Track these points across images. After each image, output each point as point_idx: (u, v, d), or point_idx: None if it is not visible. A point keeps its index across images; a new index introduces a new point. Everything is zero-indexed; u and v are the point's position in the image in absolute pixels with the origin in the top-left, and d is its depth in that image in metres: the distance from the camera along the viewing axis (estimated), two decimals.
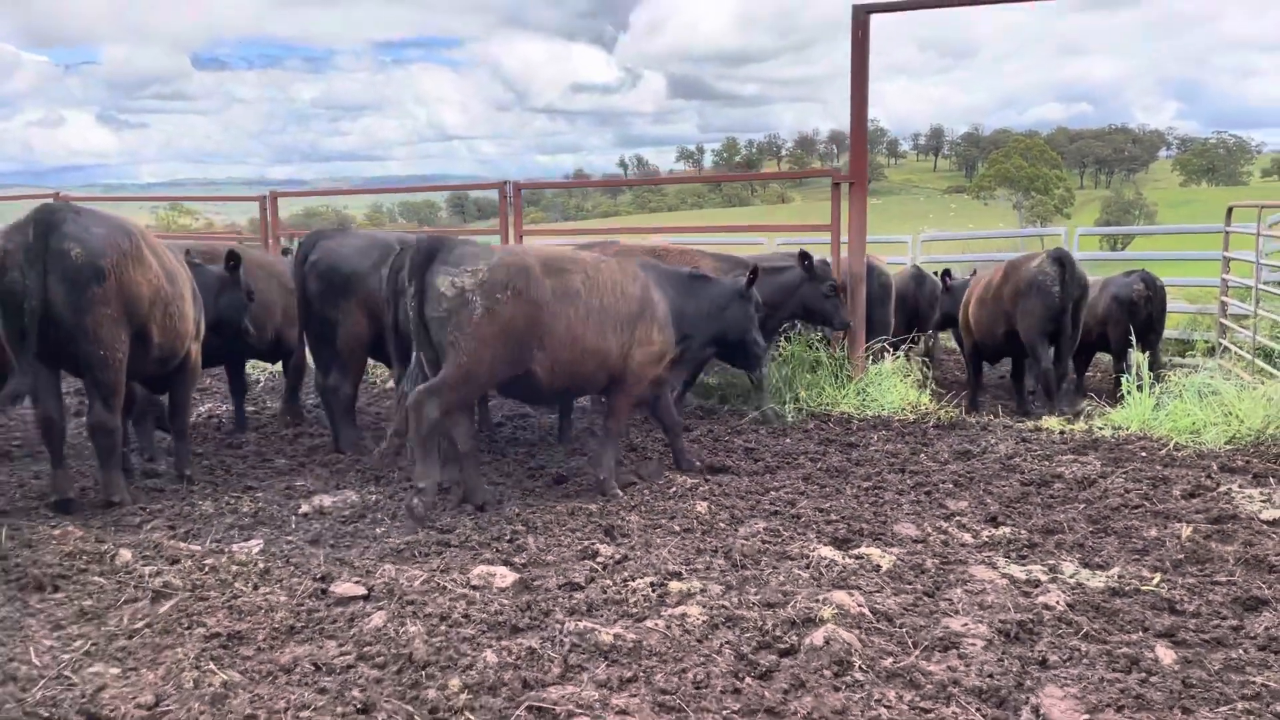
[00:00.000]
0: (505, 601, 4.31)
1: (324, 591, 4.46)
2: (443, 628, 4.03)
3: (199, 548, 5.12)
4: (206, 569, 4.73)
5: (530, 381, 5.97)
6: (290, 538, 5.39)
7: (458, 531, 5.42)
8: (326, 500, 6.07)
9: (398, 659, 3.75)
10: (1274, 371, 8.06)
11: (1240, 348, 9.56)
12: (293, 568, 4.83)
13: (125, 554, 4.89)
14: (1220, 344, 10.15)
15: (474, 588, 4.51)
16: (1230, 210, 10.32)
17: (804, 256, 8.65)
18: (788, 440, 7.76)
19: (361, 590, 4.44)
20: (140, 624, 4.11)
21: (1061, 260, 8.96)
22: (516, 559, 4.95)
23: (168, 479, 6.68)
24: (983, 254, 16.22)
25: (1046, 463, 6.87)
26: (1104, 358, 11.46)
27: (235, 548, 5.15)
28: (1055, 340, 9.13)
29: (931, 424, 8.17)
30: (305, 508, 5.95)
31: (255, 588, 4.54)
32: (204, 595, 4.43)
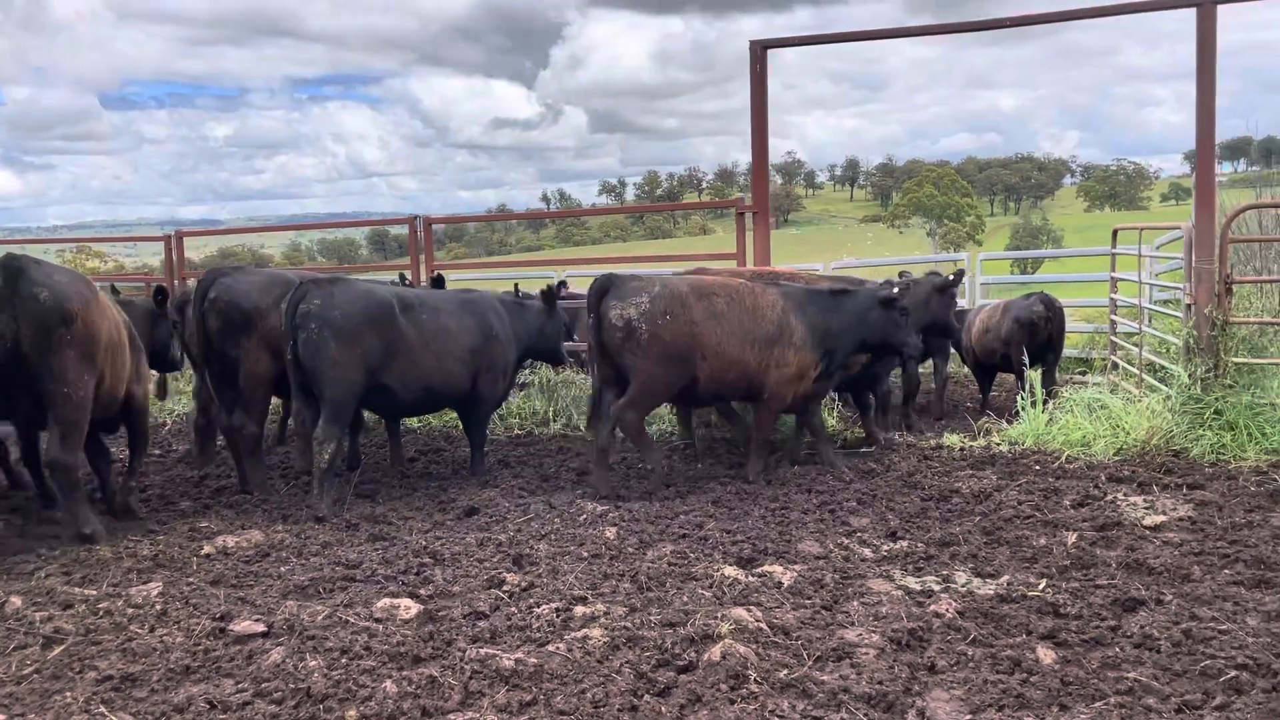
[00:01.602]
0: (408, 633, 4.31)
1: (222, 630, 4.41)
2: (343, 661, 4.02)
3: (94, 592, 5.01)
4: (101, 613, 4.63)
5: (694, 388, 7.14)
6: (191, 579, 5.28)
7: (364, 566, 5.39)
8: (230, 540, 5.97)
9: (295, 694, 3.73)
10: (1159, 385, 8.46)
11: (1130, 364, 10.00)
12: (191, 608, 4.75)
13: (15, 601, 4.77)
14: (1111, 361, 10.60)
15: (377, 620, 4.50)
16: (1115, 233, 10.82)
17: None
18: (699, 465, 7.89)
19: (261, 627, 4.40)
20: (29, 670, 4.01)
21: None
22: (422, 591, 4.95)
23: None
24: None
25: (946, 478, 7.11)
26: (1008, 378, 11.86)
27: (133, 591, 5.04)
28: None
29: (838, 444, 8.37)
30: (208, 548, 5.85)
31: (151, 629, 4.46)
32: (97, 639, 4.34)
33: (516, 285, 9.25)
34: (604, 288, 7.08)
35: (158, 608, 4.71)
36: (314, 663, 3.96)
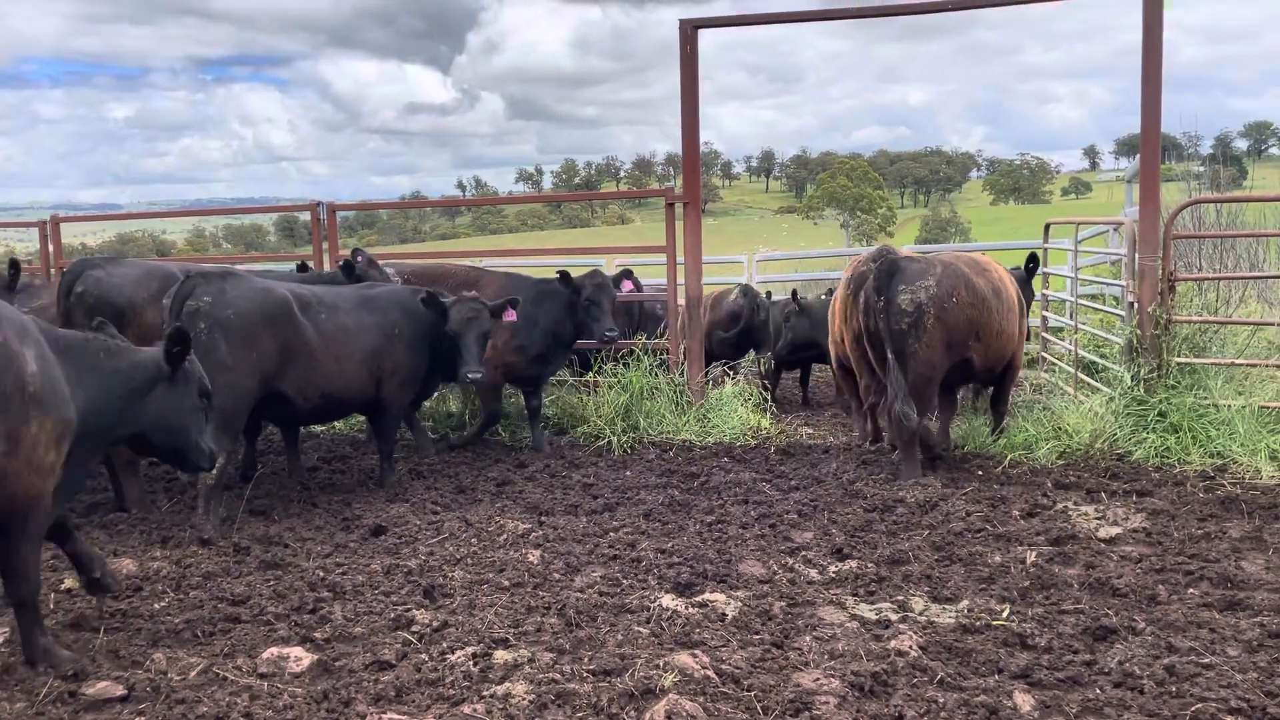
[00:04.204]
0: (298, 691, 3.70)
1: (73, 694, 3.72)
2: None
3: None
4: None
5: (966, 367, 7.09)
6: (46, 622, 4.54)
7: (251, 602, 4.73)
8: (97, 571, 5.22)
9: None
10: (1096, 384, 8.24)
11: (1060, 360, 9.83)
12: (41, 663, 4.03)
13: None
14: (1042, 356, 10.44)
15: (262, 676, 3.87)
16: (1047, 227, 10.65)
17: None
18: (628, 473, 7.37)
19: (120, 690, 3.73)
20: None
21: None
22: (318, 634, 4.32)
23: None
24: (816, 273, 16.42)
25: (888, 486, 6.72)
26: None
27: None
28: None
29: (773, 449, 7.94)
30: (69, 582, 5.11)
31: None
32: None
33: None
34: (891, 269, 6.80)
35: None
36: None
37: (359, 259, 8.00)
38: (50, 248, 11.00)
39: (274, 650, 4.05)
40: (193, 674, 3.86)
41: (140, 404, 4.32)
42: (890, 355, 6.76)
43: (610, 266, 15.15)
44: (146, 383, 4.34)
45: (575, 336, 8.24)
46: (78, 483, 4.49)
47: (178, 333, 4.47)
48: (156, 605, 4.80)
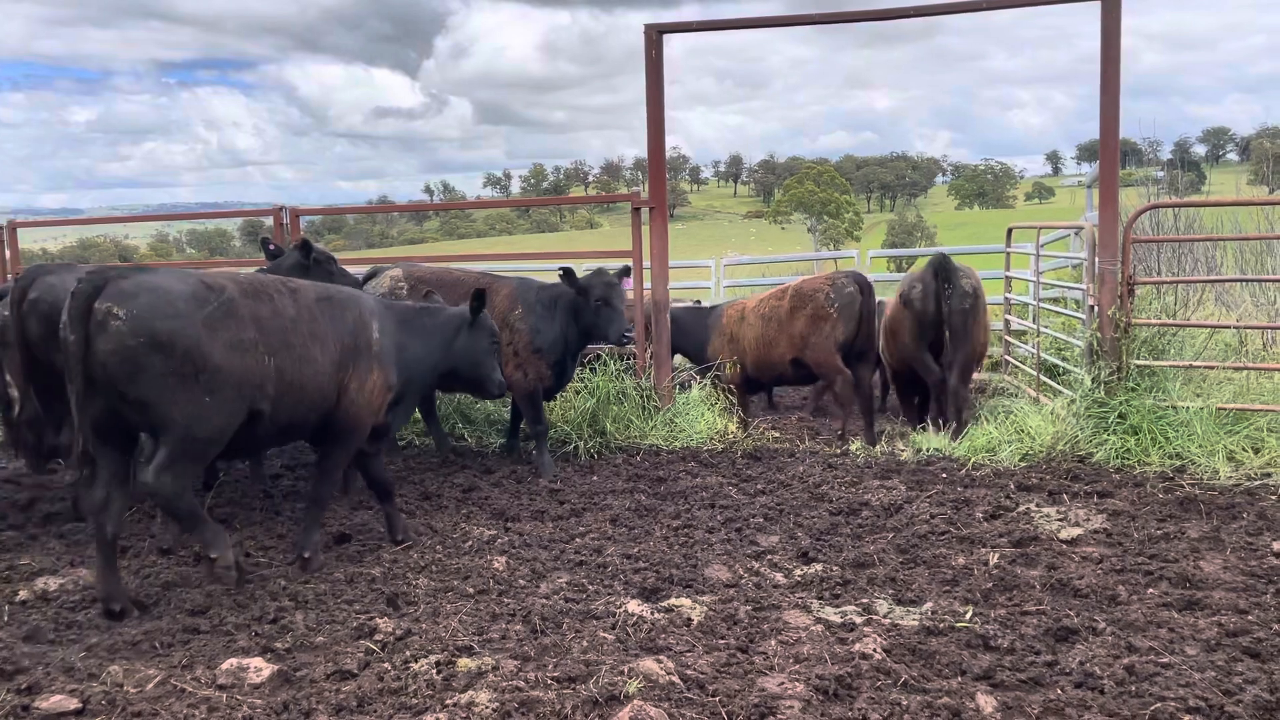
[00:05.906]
0: (258, 703, 3.64)
1: (26, 708, 3.64)
2: None
3: None
4: None
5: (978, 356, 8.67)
6: (0, 634, 4.47)
7: (211, 612, 4.66)
8: (53, 582, 5.14)
9: None
10: (1058, 387, 8.34)
11: (1023, 363, 9.94)
12: None
13: None
14: (1005, 360, 10.54)
15: (221, 687, 3.80)
16: (1010, 231, 10.76)
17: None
18: (595, 478, 7.35)
19: (75, 703, 3.65)
20: None
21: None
22: (279, 644, 4.26)
23: None
24: (784, 277, 16.50)
25: (854, 489, 6.76)
26: None
27: None
28: None
29: (740, 453, 7.96)
30: (25, 593, 5.01)
31: None
32: None
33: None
34: (947, 261, 8.01)
35: None
36: None
37: (271, 246, 7.87)
38: (7, 254, 10.77)
39: (234, 661, 3.99)
40: (150, 686, 3.79)
41: (450, 347, 5.99)
42: (948, 335, 7.96)
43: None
44: (454, 331, 6.02)
45: (583, 342, 7.87)
46: (408, 416, 6.51)
47: (479, 292, 6.08)
48: None
